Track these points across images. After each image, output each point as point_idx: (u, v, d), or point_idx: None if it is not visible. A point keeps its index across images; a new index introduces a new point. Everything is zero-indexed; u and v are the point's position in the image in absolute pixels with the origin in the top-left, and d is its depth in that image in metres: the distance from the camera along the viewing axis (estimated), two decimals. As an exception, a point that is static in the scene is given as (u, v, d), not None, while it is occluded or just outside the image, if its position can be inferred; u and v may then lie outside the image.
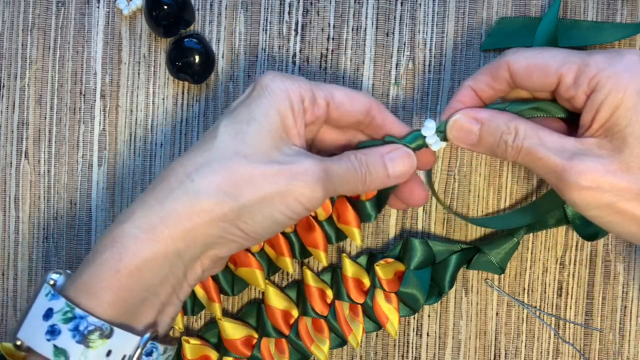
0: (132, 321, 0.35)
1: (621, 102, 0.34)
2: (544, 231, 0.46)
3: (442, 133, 0.39)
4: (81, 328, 0.33)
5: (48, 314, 0.34)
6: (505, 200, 0.46)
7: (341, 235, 0.44)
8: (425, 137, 0.39)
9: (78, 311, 0.33)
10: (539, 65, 0.36)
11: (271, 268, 0.45)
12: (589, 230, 0.44)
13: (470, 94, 0.39)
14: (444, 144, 0.39)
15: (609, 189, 0.34)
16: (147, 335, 0.35)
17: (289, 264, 0.44)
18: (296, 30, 0.46)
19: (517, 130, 0.36)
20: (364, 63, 0.46)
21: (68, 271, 0.37)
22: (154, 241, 0.34)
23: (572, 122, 0.38)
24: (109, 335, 0.33)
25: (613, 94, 0.34)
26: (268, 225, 0.36)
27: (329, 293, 0.45)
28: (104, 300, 0.34)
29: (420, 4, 0.45)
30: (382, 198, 0.42)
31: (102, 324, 0.33)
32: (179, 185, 0.35)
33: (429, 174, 0.45)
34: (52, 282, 0.35)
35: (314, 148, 0.41)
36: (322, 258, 0.44)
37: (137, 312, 0.35)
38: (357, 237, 0.43)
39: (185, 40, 0.44)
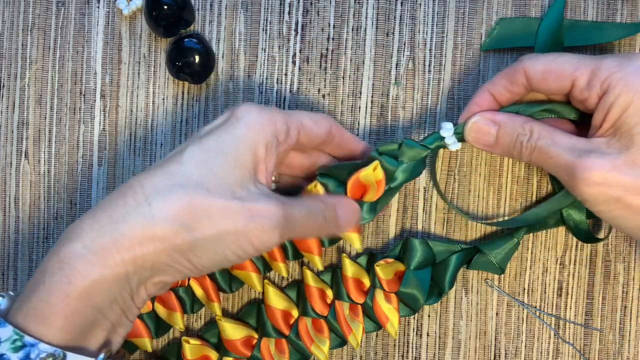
0: (84, 342, 0.34)
1: (630, 103, 0.36)
2: (544, 231, 0.46)
3: (459, 134, 0.41)
4: (32, 356, 0.32)
5: None
6: (505, 200, 0.46)
7: (335, 239, 0.44)
8: (444, 137, 0.41)
9: (28, 339, 0.32)
10: (554, 70, 0.38)
11: (267, 268, 0.45)
12: (583, 232, 0.45)
13: (489, 98, 0.40)
14: (460, 145, 0.41)
15: (616, 184, 0.36)
16: (101, 356, 0.34)
17: (282, 269, 0.44)
18: (296, 30, 0.46)
19: (532, 131, 0.39)
20: (364, 63, 0.46)
21: (11, 293, 0.36)
22: (104, 264, 0.33)
23: (582, 124, 0.40)
24: None
25: (623, 95, 0.36)
26: (217, 261, 0.35)
27: (329, 293, 0.45)
28: (54, 325, 0.33)
29: (420, 4, 0.45)
30: (379, 202, 0.42)
31: (54, 350, 0.32)
32: (136, 208, 0.34)
33: (433, 172, 0.45)
34: None
35: (282, 172, 0.42)
36: (317, 262, 0.44)
37: (89, 334, 0.34)
38: (356, 242, 0.43)
39: (185, 40, 0.44)
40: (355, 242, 0.43)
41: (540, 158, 0.38)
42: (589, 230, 0.45)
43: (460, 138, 0.41)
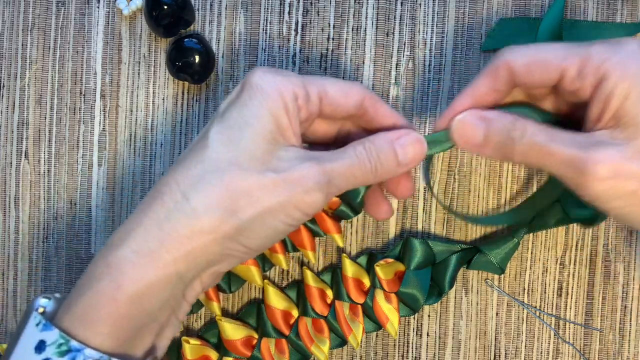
0: (131, 349, 0.34)
1: (630, 90, 0.33)
2: (544, 231, 0.46)
3: (440, 142, 0.38)
4: None
5: (40, 346, 0.32)
6: (505, 200, 0.46)
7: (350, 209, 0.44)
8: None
9: (74, 343, 0.32)
10: (539, 61, 0.35)
11: (266, 264, 0.45)
12: (584, 213, 0.43)
13: (470, 103, 0.37)
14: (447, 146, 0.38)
15: (631, 176, 0.33)
16: None
17: (282, 261, 0.44)
18: (296, 30, 0.46)
19: (525, 127, 0.35)
20: (364, 63, 0.46)
21: (57, 295, 0.35)
22: (155, 267, 0.33)
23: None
24: None
25: (621, 83, 0.33)
26: (270, 236, 0.35)
27: (329, 293, 0.45)
28: (101, 331, 0.32)
29: (420, 4, 0.45)
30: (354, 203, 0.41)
31: (100, 356, 0.32)
32: (175, 205, 0.33)
33: (427, 174, 0.45)
34: (41, 309, 0.34)
35: (307, 140, 0.40)
36: (310, 257, 0.44)
37: (136, 339, 0.34)
38: (338, 241, 0.44)
39: (185, 40, 0.44)
40: (337, 241, 0.44)
41: (537, 157, 0.35)
42: (591, 212, 0.43)
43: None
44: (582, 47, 0.35)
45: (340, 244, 0.44)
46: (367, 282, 0.45)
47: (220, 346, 0.45)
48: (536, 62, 0.35)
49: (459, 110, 0.37)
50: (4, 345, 0.46)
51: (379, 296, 0.44)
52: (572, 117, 0.38)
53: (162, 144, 0.46)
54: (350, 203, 0.41)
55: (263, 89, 0.35)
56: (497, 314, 0.46)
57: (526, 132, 0.35)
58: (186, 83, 0.46)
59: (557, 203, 0.45)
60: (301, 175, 0.34)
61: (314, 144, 0.40)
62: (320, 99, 0.36)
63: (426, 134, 0.46)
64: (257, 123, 0.34)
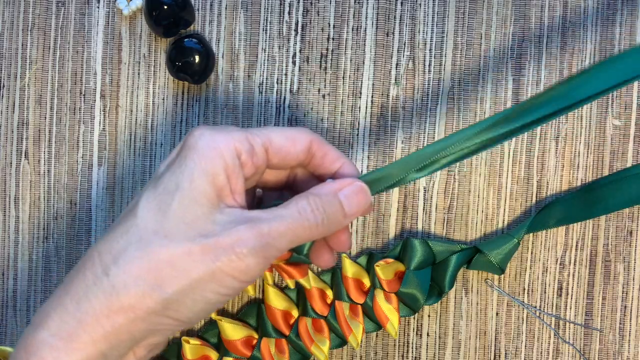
0: None
1: None
2: (544, 231, 0.46)
3: None
4: None
5: None
6: (505, 201, 0.46)
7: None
8: None
9: None
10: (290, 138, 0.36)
11: None
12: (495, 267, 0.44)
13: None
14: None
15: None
16: None
17: (289, 281, 0.44)
18: (296, 30, 0.46)
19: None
20: (364, 63, 0.46)
21: None
22: (73, 349, 0.31)
23: None
24: None
25: None
26: (203, 308, 0.32)
27: (329, 293, 0.45)
28: None
29: (420, 4, 0.45)
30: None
31: None
32: (94, 281, 0.31)
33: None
34: None
35: (260, 187, 0.39)
36: (303, 283, 0.44)
37: None
38: (305, 284, 0.44)
39: (185, 40, 0.44)
40: (305, 284, 0.44)
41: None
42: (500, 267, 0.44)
43: None
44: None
45: (308, 287, 0.43)
46: (367, 282, 0.45)
47: (220, 346, 0.45)
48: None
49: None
50: (3, 347, 0.46)
51: (379, 296, 0.44)
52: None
53: (162, 144, 0.46)
54: (299, 254, 0.39)
55: (199, 148, 0.33)
56: (497, 314, 0.46)
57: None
58: (186, 83, 0.46)
59: (558, 202, 0.45)
60: (233, 240, 0.31)
61: (266, 190, 0.39)
62: (266, 150, 0.35)
63: (425, 135, 0.46)
64: (189, 186, 0.32)
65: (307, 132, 0.36)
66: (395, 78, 0.46)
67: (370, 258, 0.45)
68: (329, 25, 0.46)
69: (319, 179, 0.37)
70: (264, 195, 0.40)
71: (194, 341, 0.44)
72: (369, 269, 0.45)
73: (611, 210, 0.45)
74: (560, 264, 0.46)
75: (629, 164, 0.46)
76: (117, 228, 0.32)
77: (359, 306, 0.45)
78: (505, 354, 0.46)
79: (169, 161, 0.34)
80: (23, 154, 0.46)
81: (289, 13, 0.46)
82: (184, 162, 0.32)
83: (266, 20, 0.46)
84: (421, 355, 0.46)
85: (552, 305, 0.46)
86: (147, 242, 0.31)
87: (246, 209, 0.34)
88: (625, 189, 0.45)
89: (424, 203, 0.46)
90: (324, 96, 0.46)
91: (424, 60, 0.46)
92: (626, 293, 0.46)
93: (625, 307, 0.46)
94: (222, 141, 0.33)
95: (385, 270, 0.44)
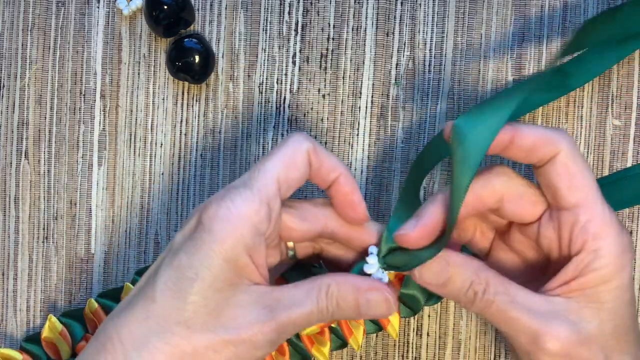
0: None
1: (613, 278, 0.33)
2: (544, 231, 0.46)
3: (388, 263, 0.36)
4: None
5: None
6: (506, 201, 0.46)
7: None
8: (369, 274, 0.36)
9: None
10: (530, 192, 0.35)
11: None
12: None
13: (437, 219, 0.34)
14: (387, 277, 0.36)
15: (578, 358, 0.33)
16: None
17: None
18: (296, 30, 0.46)
19: (488, 282, 0.34)
20: (364, 63, 0.46)
21: None
22: None
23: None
24: None
25: (610, 266, 0.32)
26: None
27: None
28: None
29: (420, 4, 0.45)
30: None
31: None
32: None
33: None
34: None
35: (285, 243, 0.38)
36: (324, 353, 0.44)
37: None
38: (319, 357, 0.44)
39: (185, 40, 0.44)
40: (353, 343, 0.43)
41: (497, 316, 0.33)
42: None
43: (387, 266, 0.36)
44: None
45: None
46: (367, 282, 0.45)
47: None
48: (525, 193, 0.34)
49: (428, 224, 0.34)
50: (3, 350, 0.46)
51: (379, 296, 0.44)
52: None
53: (162, 144, 0.46)
54: None
55: (216, 232, 0.32)
56: (497, 314, 0.46)
57: (489, 288, 0.34)
58: (186, 83, 0.46)
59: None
60: (253, 333, 0.32)
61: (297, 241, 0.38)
62: (281, 197, 0.34)
63: (425, 135, 0.46)
64: (208, 274, 0.32)
65: (302, 144, 0.34)
66: (395, 78, 0.46)
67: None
68: (329, 25, 0.46)
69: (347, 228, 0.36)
70: (297, 247, 0.39)
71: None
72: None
73: (611, 210, 0.45)
74: (560, 264, 0.46)
75: (629, 164, 0.46)
76: (135, 309, 0.32)
77: (359, 306, 0.45)
78: (505, 354, 0.46)
79: (186, 233, 0.33)
80: (23, 154, 0.46)
81: (289, 13, 0.46)
82: (202, 247, 0.32)
83: (266, 20, 0.46)
84: (421, 355, 0.46)
85: (552, 305, 0.46)
86: (170, 333, 0.31)
87: (268, 280, 0.34)
88: (625, 189, 0.45)
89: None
90: (324, 96, 0.46)
91: (424, 60, 0.46)
92: (626, 293, 0.46)
93: (626, 307, 0.46)
94: (240, 220, 0.32)
95: (385, 270, 0.43)
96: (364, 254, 0.36)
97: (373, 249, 0.36)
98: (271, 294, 0.33)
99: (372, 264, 0.35)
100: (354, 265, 0.37)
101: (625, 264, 0.33)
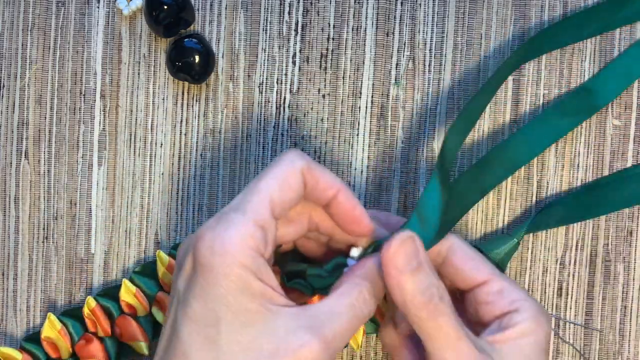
0: None
1: (532, 333, 0.35)
2: (544, 231, 0.46)
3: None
4: None
5: None
6: (506, 201, 0.46)
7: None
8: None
9: None
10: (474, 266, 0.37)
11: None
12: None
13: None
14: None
15: None
16: None
17: (143, 347, 0.43)
18: (296, 30, 0.46)
19: (445, 291, 0.33)
20: (364, 63, 0.46)
21: None
22: None
23: None
24: None
25: (529, 320, 0.35)
26: None
27: (329, 293, 0.45)
28: None
29: (420, 4, 0.45)
30: None
31: None
32: None
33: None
34: None
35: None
36: (142, 348, 0.43)
37: None
38: (144, 350, 0.43)
39: (185, 40, 0.44)
40: (143, 350, 0.43)
41: (439, 330, 0.32)
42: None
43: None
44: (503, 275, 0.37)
45: (146, 352, 0.43)
46: (367, 282, 0.45)
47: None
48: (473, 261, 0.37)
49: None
50: (3, 349, 0.46)
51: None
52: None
53: (162, 144, 0.46)
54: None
55: (217, 267, 0.30)
56: (497, 314, 0.46)
57: (445, 297, 0.33)
58: (186, 83, 0.46)
59: (558, 203, 0.45)
60: (304, 355, 0.30)
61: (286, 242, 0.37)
62: (275, 218, 0.33)
63: (425, 135, 0.46)
64: (230, 314, 0.30)
65: (295, 163, 0.33)
66: (395, 78, 0.46)
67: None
68: (329, 25, 0.46)
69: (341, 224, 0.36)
70: (306, 246, 0.38)
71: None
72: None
73: (611, 210, 0.45)
74: (560, 264, 0.46)
75: (629, 164, 0.46)
76: None
77: (359, 306, 0.45)
78: (505, 354, 0.46)
79: (186, 277, 0.32)
80: (23, 154, 0.46)
81: (289, 13, 0.46)
82: (209, 288, 0.30)
83: (266, 20, 0.46)
84: (421, 355, 0.46)
85: (552, 305, 0.46)
86: None
87: (287, 297, 0.32)
88: (625, 189, 0.45)
89: (424, 203, 0.46)
90: (324, 96, 0.46)
91: (424, 60, 0.46)
92: (626, 293, 0.46)
93: (625, 307, 0.46)
94: (236, 247, 0.30)
95: (385, 270, 0.43)
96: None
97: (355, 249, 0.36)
98: (305, 313, 0.31)
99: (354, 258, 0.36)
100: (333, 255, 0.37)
101: (543, 323, 0.35)
